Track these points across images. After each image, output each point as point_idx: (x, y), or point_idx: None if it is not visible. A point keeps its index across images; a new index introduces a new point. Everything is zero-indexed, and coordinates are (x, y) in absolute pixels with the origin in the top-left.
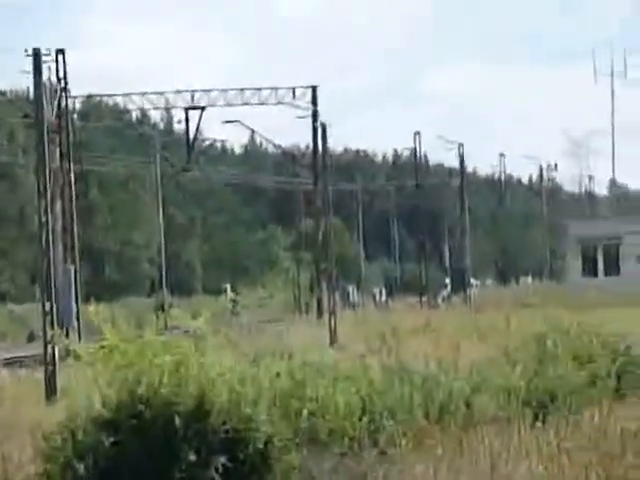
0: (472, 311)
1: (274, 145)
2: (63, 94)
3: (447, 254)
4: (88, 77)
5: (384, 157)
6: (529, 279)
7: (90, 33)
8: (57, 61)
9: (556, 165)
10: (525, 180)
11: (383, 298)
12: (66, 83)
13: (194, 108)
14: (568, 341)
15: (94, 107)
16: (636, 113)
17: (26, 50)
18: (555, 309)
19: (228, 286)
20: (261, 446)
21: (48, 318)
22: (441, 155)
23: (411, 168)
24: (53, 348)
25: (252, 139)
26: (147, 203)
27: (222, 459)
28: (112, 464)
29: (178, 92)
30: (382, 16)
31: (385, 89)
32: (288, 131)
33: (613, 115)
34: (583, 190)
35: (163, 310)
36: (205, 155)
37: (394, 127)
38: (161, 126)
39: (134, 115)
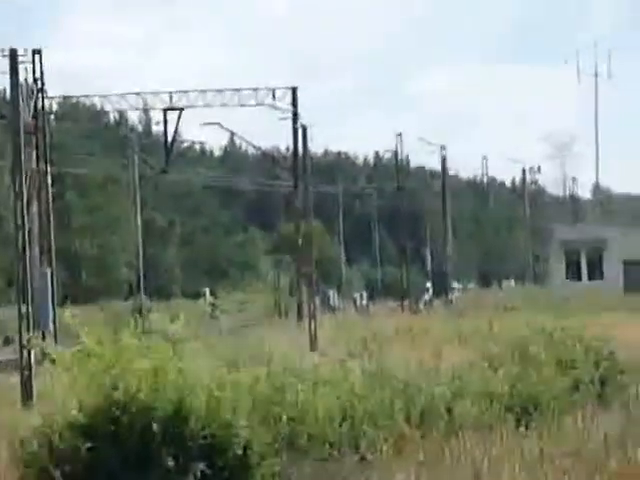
0: (454, 315)
1: (254, 147)
2: (40, 95)
3: (429, 257)
4: (64, 77)
5: (365, 159)
6: (512, 282)
7: (68, 32)
8: (34, 62)
9: (539, 168)
10: (508, 183)
11: (364, 302)
12: (43, 84)
13: (172, 109)
14: (551, 346)
15: (71, 108)
16: (620, 115)
17: (2, 50)
18: (538, 313)
19: (207, 290)
20: (240, 452)
21: (24, 322)
22: (423, 158)
23: (392, 171)
24: (29, 352)
25: (232, 141)
26: (125, 206)
27: (201, 465)
28: (89, 470)
29: (156, 93)
30: (365, 17)
31: (367, 91)
32: (268, 133)
33: (597, 117)
34: (567, 193)
35: (141, 314)
36: (184, 157)
37: (375, 129)
38: (139, 128)
39: (112, 117)
